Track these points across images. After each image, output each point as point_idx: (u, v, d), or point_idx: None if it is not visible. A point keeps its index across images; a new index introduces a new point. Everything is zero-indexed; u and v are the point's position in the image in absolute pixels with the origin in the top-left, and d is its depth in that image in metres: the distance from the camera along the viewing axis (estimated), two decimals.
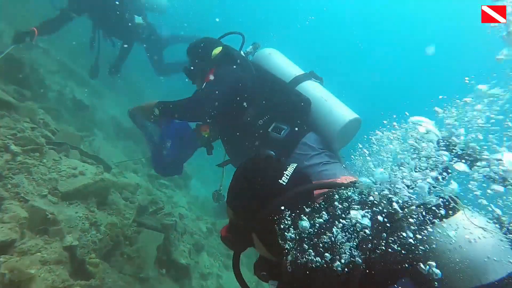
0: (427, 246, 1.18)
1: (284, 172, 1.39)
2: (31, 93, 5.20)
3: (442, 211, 1.23)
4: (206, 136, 3.09)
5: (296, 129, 2.69)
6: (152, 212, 3.99)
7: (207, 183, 9.77)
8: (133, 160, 5.72)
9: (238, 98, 2.78)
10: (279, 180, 1.36)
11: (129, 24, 5.56)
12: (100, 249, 2.95)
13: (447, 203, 1.27)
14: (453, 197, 1.28)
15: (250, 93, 2.80)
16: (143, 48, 6.32)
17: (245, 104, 2.78)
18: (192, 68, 3.13)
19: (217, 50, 3.00)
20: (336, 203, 1.31)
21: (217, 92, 2.72)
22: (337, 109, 2.70)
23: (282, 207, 1.30)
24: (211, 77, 2.83)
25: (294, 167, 1.43)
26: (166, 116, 2.86)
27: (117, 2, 5.27)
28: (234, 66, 2.89)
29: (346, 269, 1.15)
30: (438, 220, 1.22)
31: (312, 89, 2.84)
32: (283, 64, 3.07)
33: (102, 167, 3.95)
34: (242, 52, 3.20)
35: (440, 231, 1.19)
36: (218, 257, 5.27)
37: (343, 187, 1.39)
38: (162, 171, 3.59)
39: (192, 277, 3.77)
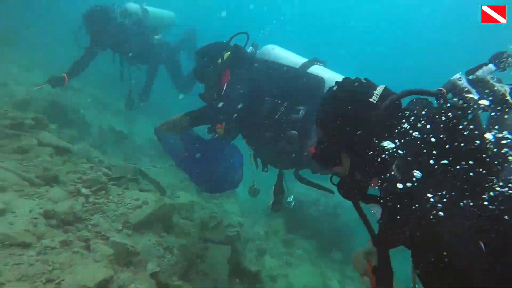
0: None
1: (374, 91, 1.43)
2: (78, 133, 5.52)
3: None
4: (221, 133, 3.28)
5: (313, 107, 2.89)
6: (214, 226, 4.15)
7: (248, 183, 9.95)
8: (159, 167, 5.74)
9: (256, 96, 3.00)
10: (370, 99, 1.40)
11: (150, 45, 5.79)
12: (178, 271, 3.13)
13: None
14: None
15: (265, 88, 3.05)
16: (164, 68, 6.48)
17: (266, 99, 3.03)
18: (202, 70, 3.34)
19: (227, 53, 3.21)
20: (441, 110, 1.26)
21: (241, 92, 2.95)
22: None
23: (374, 123, 1.35)
24: (228, 80, 3.08)
25: (384, 87, 1.46)
26: (196, 125, 3.15)
27: (134, 27, 5.50)
28: (247, 66, 3.12)
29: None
30: None
31: (320, 71, 3.06)
32: (288, 56, 3.27)
33: (158, 193, 4.18)
34: None
35: None
36: (280, 257, 5.40)
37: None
38: (216, 188, 3.72)
39: (263, 281, 3.90)
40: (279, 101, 3.03)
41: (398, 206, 1.21)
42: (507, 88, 1.26)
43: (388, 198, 1.27)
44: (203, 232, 3.90)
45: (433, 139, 1.19)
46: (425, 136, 1.22)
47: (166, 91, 7.88)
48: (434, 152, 1.17)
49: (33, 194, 2.92)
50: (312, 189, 6.84)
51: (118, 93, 6.65)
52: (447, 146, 1.15)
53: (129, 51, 5.61)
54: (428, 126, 1.24)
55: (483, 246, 0.97)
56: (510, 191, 1.02)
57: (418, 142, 1.23)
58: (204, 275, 3.35)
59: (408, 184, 1.17)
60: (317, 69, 3.08)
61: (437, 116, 1.23)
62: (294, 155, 2.97)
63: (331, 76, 2.98)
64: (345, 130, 1.43)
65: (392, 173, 1.25)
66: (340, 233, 6.55)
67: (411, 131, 1.27)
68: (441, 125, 1.19)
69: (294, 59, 3.23)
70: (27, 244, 2.32)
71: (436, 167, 1.15)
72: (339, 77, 2.94)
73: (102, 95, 8.64)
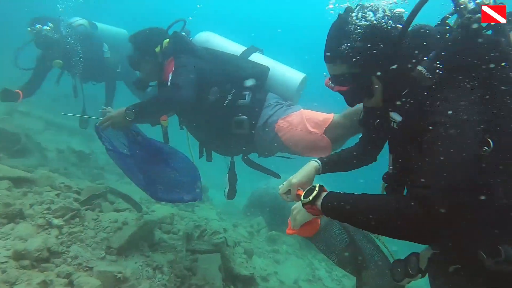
0: None
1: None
2: (34, 160, 5.12)
3: None
4: (166, 125, 3.32)
5: (258, 92, 3.09)
6: (199, 236, 4.00)
7: (222, 187, 9.80)
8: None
9: (201, 84, 3.02)
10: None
11: (102, 59, 5.47)
12: None
13: None
14: None
15: (210, 76, 3.09)
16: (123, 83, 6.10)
17: (211, 87, 3.07)
18: (139, 58, 3.25)
19: (166, 41, 3.15)
20: None
21: (191, 79, 2.92)
22: (289, 72, 3.18)
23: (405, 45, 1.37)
24: (173, 70, 3.00)
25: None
26: (141, 118, 2.94)
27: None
28: (191, 55, 3.12)
29: None
30: None
31: (262, 59, 3.23)
32: (226, 44, 3.36)
33: (135, 210, 3.96)
34: None
35: None
36: (266, 255, 5.35)
37: None
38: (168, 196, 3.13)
39: (257, 283, 3.82)
40: (226, 90, 3.08)
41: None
42: None
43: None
44: (189, 244, 3.74)
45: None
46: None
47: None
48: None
49: None
50: None
51: (70, 113, 6.22)
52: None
53: (78, 67, 5.24)
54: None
55: None
56: None
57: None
58: None
59: None
60: (257, 57, 3.24)
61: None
62: (245, 139, 3.12)
63: (272, 64, 3.18)
64: (377, 56, 1.42)
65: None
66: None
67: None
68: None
69: (234, 47, 3.32)
70: None
71: None
72: (281, 65, 3.22)
73: (53, 117, 8.07)
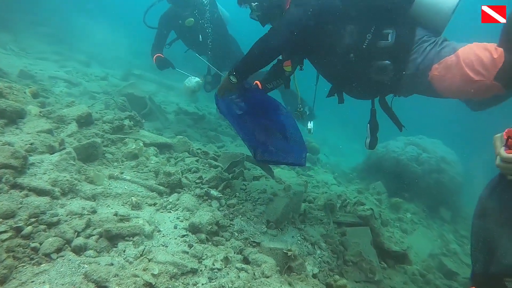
0: None
1: None
2: (160, 123, 5.25)
3: None
4: (288, 71, 3.00)
5: (403, 28, 2.50)
6: (341, 206, 3.75)
7: (327, 146, 9.48)
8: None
9: (330, 20, 2.56)
10: None
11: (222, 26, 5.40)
12: (334, 267, 2.78)
13: None
14: None
15: (343, 8, 2.56)
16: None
17: (345, 24, 2.57)
18: (259, 9, 2.88)
19: None
20: None
21: (298, 18, 2.52)
22: None
23: None
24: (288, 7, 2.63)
25: None
26: (244, 75, 2.73)
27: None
28: None
29: None
30: None
31: None
32: None
33: (270, 176, 3.82)
34: None
35: None
36: (392, 224, 4.96)
37: None
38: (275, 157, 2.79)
39: (410, 261, 3.47)
40: (364, 27, 2.55)
41: None
42: None
43: None
44: (333, 215, 3.50)
45: None
46: None
47: None
48: None
49: (167, 205, 2.62)
50: (411, 144, 6.20)
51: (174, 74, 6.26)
52: None
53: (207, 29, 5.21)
54: None
55: None
56: None
57: None
58: (355, 265, 2.98)
59: None
60: None
61: None
62: (387, 86, 2.66)
63: None
64: None
65: None
66: (446, 189, 5.94)
67: None
68: None
69: None
70: (194, 270, 2.02)
71: None
72: None
73: (161, 78, 8.33)
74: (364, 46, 2.55)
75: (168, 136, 4.85)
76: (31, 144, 2.37)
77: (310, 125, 3.30)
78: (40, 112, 3.11)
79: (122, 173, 2.85)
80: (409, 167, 5.89)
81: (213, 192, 2.85)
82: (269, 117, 2.89)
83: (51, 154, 2.45)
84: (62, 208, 2.05)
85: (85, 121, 3.33)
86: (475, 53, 2.25)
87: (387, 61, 2.51)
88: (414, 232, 5.08)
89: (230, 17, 5.87)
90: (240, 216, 2.72)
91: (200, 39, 5.27)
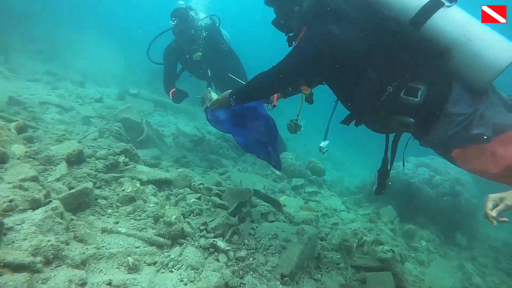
0: None
1: None
2: (158, 150, 4.95)
3: None
4: (308, 93, 2.86)
5: (436, 85, 2.05)
6: (358, 246, 3.43)
7: (329, 161, 9.18)
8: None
9: (346, 65, 2.22)
10: None
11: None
12: None
13: None
14: None
15: (364, 56, 2.16)
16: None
17: (364, 67, 2.17)
18: (281, 19, 2.58)
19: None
20: None
21: (298, 62, 2.32)
22: (495, 44, 1.91)
23: None
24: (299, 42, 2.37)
25: None
26: (244, 102, 2.78)
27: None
28: (333, 20, 2.20)
29: None
30: None
31: (448, 23, 1.98)
32: None
33: (277, 210, 3.51)
34: None
35: None
36: (408, 255, 4.64)
37: None
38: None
39: None
40: (385, 77, 2.13)
41: None
42: None
43: None
44: (350, 257, 3.19)
45: None
46: None
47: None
48: None
49: (168, 262, 2.30)
50: (421, 166, 5.92)
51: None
52: None
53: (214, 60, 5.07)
54: None
55: None
56: None
57: None
58: None
59: None
60: (442, 20, 1.99)
61: None
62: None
63: (462, 33, 1.94)
64: None
65: None
66: (462, 213, 5.63)
67: None
68: None
69: None
70: None
71: None
72: (476, 28, 1.95)
73: (156, 95, 8.05)
74: (382, 99, 2.16)
75: (167, 164, 4.56)
76: (10, 201, 2.05)
77: (323, 144, 2.91)
78: (26, 152, 2.79)
79: (117, 223, 2.53)
80: (422, 190, 5.58)
81: (220, 244, 2.53)
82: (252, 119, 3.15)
83: (35, 210, 2.12)
84: (44, 284, 1.73)
85: (76, 160, 3.01)
86: None
87: (411, 119, 2.14)
88: (431, 264, 4.76)
89: (230, 38, 5.67)
90: (251, 273, 2.40)
91: (209, 74, 5.10)
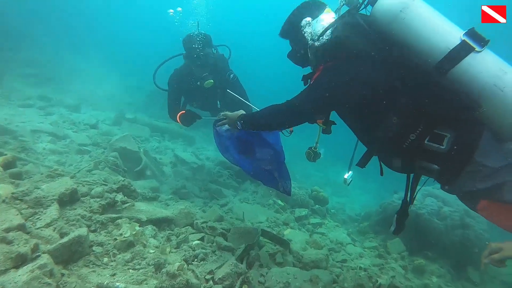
0: None
1: None
2: (156, 181, 4.71)
3: None
4: (325, 127, 2.65)
5: (464, 133, 1.94)
6: None
7: (330, 187, 8.97)
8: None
9: (367, 107, 2.11)
10: None
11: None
12: None
13: None
14: None
15: (386, 99, 2.04)
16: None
17: (387, 111, 2.06)
18: (297, 52, 2.48)
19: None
20: None
21: (315, 100, 2.20)
22: None
23: None
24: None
25: None
26: (251, 129, 2.69)
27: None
28: (353, 61, 2.07)
29: None
30: None
31: (478, 72, 1.83)
32: (428, 31, 1.92)
33: (283, 248, 3.26)
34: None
35: None
36: None
37: None
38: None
39: None
40: (409, 124, 2.02)
41: None
42: None
43: None
44: None
45: None
46: None
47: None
48: None
49: None
50: (429, 196, 5.71)
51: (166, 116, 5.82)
52: None
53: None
54: None
55: None
56: None
57: None
58: None
59: None
60: (471, 66, 1.84)
61: None
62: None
63: (493, 82, 1.80)
64: None
65: None
66: (472, 246, 5.39)
67: None
68: None
69: (437, 38, 1.89)
70: None
71: None
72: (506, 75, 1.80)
73: (153, 120, 7.86)
74: (404, 146, 2.06)
75: (166, 197, 4.31)
76: None
77: (348, 176, 2.80)
78: (13, 193, 2.53)
79: (114, 275, 2.26)
80: (431, 222, 5.36)
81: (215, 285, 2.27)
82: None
83: (20, 268, 1.85)
84: None
85: (69, 199, 2.76)
86: None
87: (435, 166, 2.02)
88: None
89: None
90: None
91: (219, 106, 4.86)
